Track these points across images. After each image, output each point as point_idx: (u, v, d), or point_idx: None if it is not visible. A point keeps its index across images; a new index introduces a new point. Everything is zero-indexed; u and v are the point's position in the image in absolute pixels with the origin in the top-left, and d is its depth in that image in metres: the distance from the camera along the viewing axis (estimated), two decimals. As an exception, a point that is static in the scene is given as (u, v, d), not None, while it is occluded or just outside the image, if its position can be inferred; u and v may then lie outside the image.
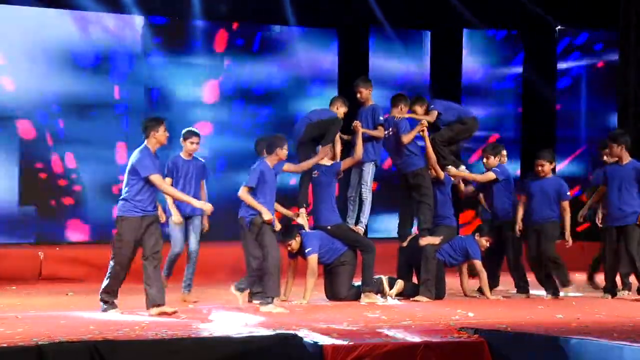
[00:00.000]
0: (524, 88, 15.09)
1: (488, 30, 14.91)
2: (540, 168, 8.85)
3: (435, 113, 9.17)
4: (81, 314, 7.53)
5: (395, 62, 14.34)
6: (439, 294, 8.88)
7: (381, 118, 9.05)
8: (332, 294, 8.76)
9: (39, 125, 12.48)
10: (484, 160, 9.35)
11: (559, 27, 14.85)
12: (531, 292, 9.32)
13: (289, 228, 8.59)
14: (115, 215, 7.75)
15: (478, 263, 8.97)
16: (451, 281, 9.29)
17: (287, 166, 8.47)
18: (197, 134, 8.76)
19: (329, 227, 8.68)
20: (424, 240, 8.86)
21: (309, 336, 6.17)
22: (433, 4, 13.94)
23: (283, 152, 8.23)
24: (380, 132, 9.02)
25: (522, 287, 9.27)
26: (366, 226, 9.16)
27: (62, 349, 5.63)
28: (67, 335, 6.09)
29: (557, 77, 15.03)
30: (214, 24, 13.48)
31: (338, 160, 8.94)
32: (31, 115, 12.43)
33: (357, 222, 9.12)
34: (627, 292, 9.36)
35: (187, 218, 8.71)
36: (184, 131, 8.77)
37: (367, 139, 9.01)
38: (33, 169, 12.53)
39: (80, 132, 12.67)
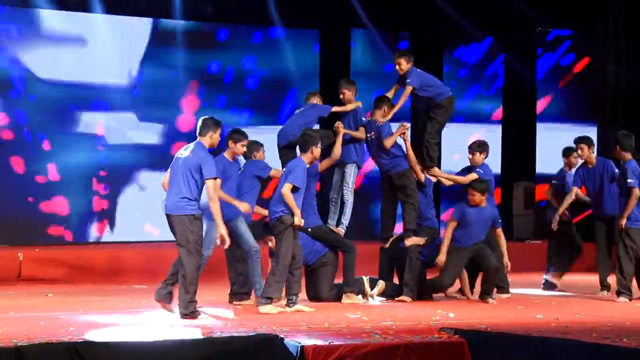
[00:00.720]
0: (504, 88, 15.16)
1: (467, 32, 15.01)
2: (471, 197, 8.71)
3: (410, 90, 9.05)
4: (61, 315, 7.49)
5: (378, 63, 14.37)
6: (420, 294, 8.90)
7: (363, 119, 9.06)
8: (314, 295, 8.76)
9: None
10: (469, 156, 9.33)
11: (539, 28, 14.94)
12: (512, 291, 9.37)
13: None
14: (181, 214, 7.37)
15: (459, 264, 9.00)
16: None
17: (274, 171, 8.49)
18: (247, 136, 8.51)
19: (309, 229, 8.68)
20: (410, 241, 8.88)
21: (290, 337, 6.17)
22: (415, 6, 13.98)
23: (318, 150, 8.23)
24: (361, 133, 9.03)
25: (502, 287, 9.27)
26: (347, 227, 9.17)
27: (41, 351, 5.61)
28: (47, 336, 6.06)
29: (537, 76, 15.11)
30: (197, 25, 13.47)
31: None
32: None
33: (338, 224, 9.13)
34: (605, 292, 9.42)
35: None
36: (232, 131, 8.45)
37: (349, 140, 9.02)
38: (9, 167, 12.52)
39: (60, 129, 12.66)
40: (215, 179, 7.43)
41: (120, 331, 6.53)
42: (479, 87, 15.31)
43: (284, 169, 8.23)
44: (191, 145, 7.60)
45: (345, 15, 13.68)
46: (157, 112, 13.20)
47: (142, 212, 12.80)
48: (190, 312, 7.35)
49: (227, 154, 8.42)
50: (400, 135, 8.97)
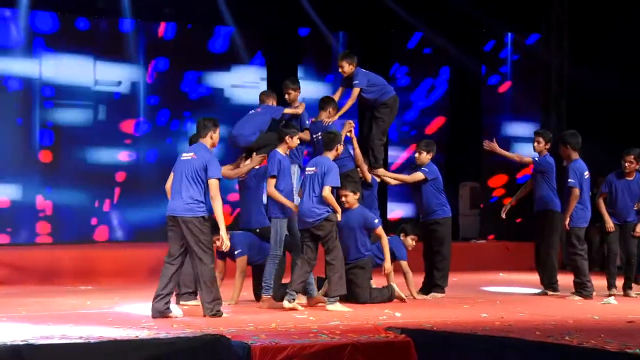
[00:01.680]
0: (450, 87, 15.31)
1: (415, 33, 15.12)
2: (343, 199, 8.60)
3: (358, 91, 9.13)
4: (3, 317, 7.36)
5: (325, 64, 14.41)
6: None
7: (307, 122, 9.04)
8: (261, 295, 8.74)
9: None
10: (416, 155, 9.39)
11: (484, 30, 15.10)
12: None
13: None
14: (192, 216, 7.40)
15: (404, 263, 9.03)
16: (378, 281, 9.36)
17: (224, 171, 8.46)
18: (300, 129, 8.55)
19: (257, 230, 8.69)
20: (353, 241, 8.91)
21: (237, 337, 6.15)
22: (360, 7, 14.04)
23: (341, 147, 8.46)
24: (306, 135, 9.03)
25: (438, 286, 9.31)
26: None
27: (-17, 353, 5.51)
28: (-11, 338, 5.96)
29: (483, 77, 15.30)
30: (141, 25, 13.36)
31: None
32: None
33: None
34: (551, 292, 9.55)
35: None
36: (284, 126, 8.45)
37: None
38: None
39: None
40: (219, 179, 7.52)
41: (64, 332, 6.44)
42: (424, 89, 15.44)
43: (313, 169, 8.23)
44: (194, 147, 7.67)
45: (292, 15, 13.70)
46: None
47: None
48: (217, 311, 7.43)
49: (281, 149, 8.38)
50: (347, 133, 9.01)
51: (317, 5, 13.69)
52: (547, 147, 9.55)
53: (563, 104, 14.28)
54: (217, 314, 7.45)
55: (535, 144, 9.56)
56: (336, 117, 9.10)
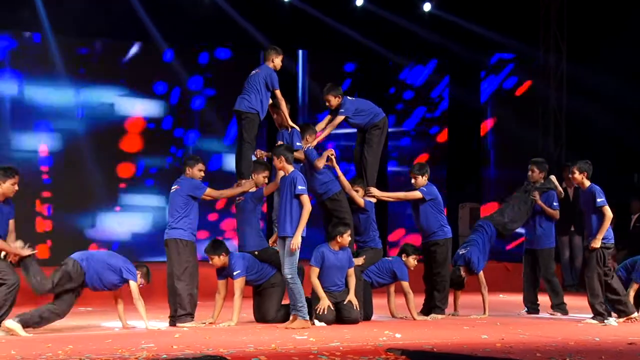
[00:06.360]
0: (449, 110, 15.36)
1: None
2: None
3: (341, 119, 9.20)
4: (2, 339, 7.32)
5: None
6: (366, 315, 8.92)
7: (298, 144, 9.02)
8: (261, 316, 8.72)
9: None
10: (412, 181, 9.39)
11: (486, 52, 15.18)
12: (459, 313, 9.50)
13: (217, 243, 8.56)
14: None
15: (405, 284, 9.02)
16: (379, 302, 9.34)
17: (209, 191, 8.43)
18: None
19: (256, 252, 8.69)
20: (349, 262, 8.91)
21: (237, 358, 6.12)
22: (360, 30, 14.13)
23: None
24: (301, 154, 9.02)
25: (438, 307, 9.30)
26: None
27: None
28: None
29: (482, 99, 15.36)
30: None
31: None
32: None
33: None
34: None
35: None
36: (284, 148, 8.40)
37: None
38: None
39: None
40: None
41: (64, 354, 6.41)
42: (424, 108, 15.50)
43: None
44: None
45: (292, 35, 13.73)
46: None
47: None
48: None
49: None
50: (327, 158, 8.99)
51: (316, 27, 13.74)
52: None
53: (563, 131, 14.36)
54: None
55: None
56: (315, 142, 9.14)
